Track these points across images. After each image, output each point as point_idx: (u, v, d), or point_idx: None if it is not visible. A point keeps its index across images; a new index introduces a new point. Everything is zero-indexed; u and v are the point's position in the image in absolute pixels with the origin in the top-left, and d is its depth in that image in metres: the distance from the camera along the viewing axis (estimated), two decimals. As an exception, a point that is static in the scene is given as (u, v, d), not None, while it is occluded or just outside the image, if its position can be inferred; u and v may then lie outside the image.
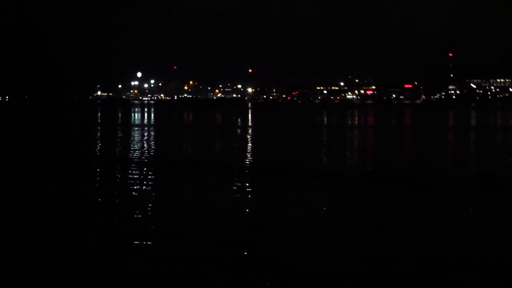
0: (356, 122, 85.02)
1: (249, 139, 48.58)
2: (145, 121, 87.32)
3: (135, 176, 24.32)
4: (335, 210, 17.09)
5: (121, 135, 53.79)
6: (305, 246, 12.78)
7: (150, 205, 18.01)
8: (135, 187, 21.47)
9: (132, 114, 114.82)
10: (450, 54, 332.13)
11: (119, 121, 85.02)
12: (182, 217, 16.00)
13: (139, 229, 14.47)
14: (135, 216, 16.17)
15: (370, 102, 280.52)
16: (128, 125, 72.66)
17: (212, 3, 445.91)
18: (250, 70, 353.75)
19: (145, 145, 41.36)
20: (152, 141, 46.21)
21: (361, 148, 40.13)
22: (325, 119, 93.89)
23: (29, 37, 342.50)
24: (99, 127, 68.65)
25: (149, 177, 24.56)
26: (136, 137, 49.11)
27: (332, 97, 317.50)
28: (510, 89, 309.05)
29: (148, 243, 13.21)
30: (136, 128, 64.08)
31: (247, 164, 29.27)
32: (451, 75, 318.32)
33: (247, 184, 22.27)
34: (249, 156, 34.24)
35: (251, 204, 18.18)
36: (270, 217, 15.85)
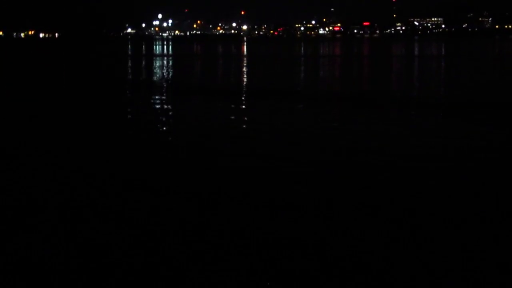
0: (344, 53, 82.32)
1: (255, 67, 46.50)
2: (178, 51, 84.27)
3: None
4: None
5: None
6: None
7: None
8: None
9: (160, 47, 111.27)
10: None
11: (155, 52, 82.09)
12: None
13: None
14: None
15: (339, 36, 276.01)
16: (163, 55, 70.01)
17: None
18: (242, 12, 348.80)
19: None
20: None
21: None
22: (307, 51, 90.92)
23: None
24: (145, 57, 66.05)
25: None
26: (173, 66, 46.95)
27: (308, 33, 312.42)
28: (442, 26, 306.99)
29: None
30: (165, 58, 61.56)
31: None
32: (394, 15, 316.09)
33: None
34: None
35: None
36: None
